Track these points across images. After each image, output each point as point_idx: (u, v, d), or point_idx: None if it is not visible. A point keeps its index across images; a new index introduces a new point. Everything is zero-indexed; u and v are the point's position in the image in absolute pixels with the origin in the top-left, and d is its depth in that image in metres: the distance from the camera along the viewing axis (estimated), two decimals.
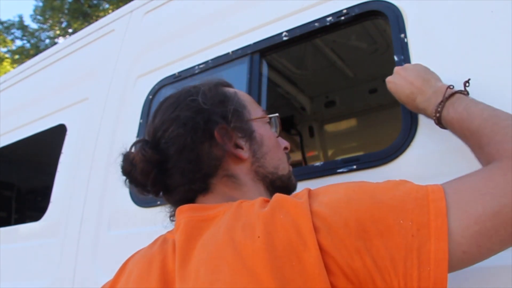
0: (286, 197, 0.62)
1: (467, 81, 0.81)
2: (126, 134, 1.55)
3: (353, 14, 1.12)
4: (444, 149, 0.87)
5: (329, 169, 1.04)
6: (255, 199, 0.65)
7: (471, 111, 0.72)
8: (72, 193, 1.65)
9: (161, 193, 0.79)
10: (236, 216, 0.62)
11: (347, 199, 0.58)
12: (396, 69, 0.91)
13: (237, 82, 0.86)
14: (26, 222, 1.94)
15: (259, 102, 1.22)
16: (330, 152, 2.86)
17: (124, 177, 0.76)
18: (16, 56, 14.45)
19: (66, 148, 1.82)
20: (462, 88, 0.80)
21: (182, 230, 0.65)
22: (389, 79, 0.91)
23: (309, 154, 2.78)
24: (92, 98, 1.81)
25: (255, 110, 0.84)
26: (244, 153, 0.76)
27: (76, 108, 1.87)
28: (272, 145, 0.81)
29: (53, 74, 2.18)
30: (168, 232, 0.75)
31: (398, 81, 0.88)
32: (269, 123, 0.86)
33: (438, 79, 0.85)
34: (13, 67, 12.48)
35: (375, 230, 0.54)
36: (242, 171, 0.76)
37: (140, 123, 1.52)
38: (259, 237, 0.56)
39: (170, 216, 0.79)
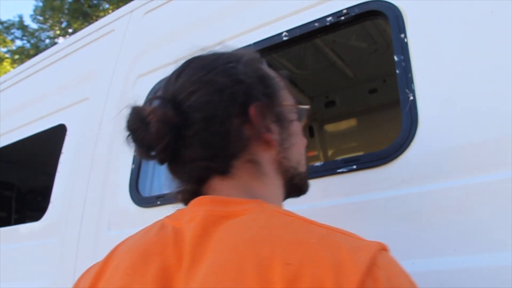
0: (345, 238, 0.54)
1: None
2: None
3: (353, 14, 1.12)
4: (444, 149, 0.87)
5: (329, 169, 1.03)
6: (298, 216, 0.58)
7: None
8: (72, 193, 1.65)
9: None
10: (268, 225, 0.55)
11: None
12: None
13: None
14: (26, 222, 1.95)
15: None
16: (330, 152, 2.86)
17: (127, 133, 0.64)
18: (16, 56, 14.47)
19: (66, 148, 1.82)
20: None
21: (199, 224, 0.57)
22: None
23: (309, 154, 2.78)
24: (92, 98, 1.81)
25: (288, 97, 0.75)
26: (275, 139, 0.68)
27: (76, 108, 1.86)
28: (299, 138, 0.74)
29: (53, 74, 2.18)
30: (168, 217, 0.64)
31: None
32: (297, 114, 0.77)
33: None
34: (13, 67, 12.48)
35: None
36: (266, 159, 0.67)
37: None
38: (288, 264, 0.48)
39: (178, 193, 0.69)
